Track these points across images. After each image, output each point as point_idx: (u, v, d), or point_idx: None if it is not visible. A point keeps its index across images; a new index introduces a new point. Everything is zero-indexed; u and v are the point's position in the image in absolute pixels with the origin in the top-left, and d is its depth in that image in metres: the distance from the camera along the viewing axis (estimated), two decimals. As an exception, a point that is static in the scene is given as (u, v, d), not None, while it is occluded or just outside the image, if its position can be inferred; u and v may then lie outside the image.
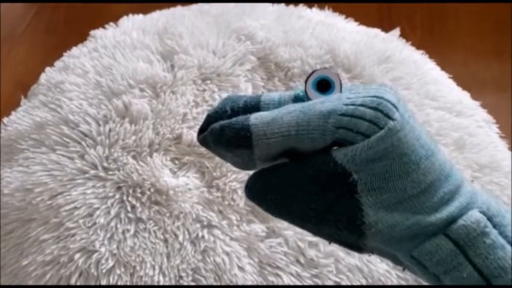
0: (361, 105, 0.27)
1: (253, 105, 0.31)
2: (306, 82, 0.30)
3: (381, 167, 0.27)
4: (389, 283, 0.69)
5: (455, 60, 1.09)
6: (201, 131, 0.32)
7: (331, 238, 0.30)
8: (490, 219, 0.27)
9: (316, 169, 0.28)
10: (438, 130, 0.83)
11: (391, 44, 0.95)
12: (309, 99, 0.30)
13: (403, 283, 0.69)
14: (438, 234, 0.26)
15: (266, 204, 0.30)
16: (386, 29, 1.03)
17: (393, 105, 0.27)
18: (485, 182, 0.80)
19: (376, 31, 0.98)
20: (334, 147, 0.28)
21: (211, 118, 0.31)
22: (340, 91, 0.30)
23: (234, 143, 0.29)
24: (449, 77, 0.96)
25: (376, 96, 0.27)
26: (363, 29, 0.99)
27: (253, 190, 0.31)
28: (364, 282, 0.70)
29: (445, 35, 1.17)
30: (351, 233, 0.28)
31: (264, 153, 0.29)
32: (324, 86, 0.30)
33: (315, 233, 0.30)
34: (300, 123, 0.27)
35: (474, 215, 0.27)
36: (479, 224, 0.26)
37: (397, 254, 0.28)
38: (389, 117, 0.26)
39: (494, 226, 0.27)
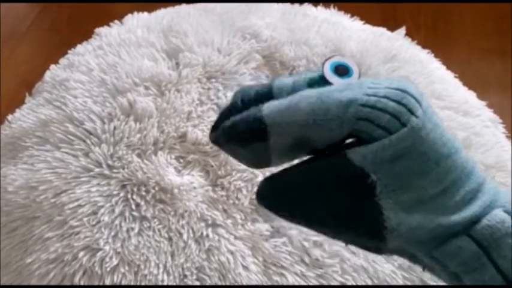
0: (384, 97, 0.25)
1: (266, 93, 0.29)
2: (323, 64, 0.28)
3: (401, 167, 0.25)
4: (394, 284, 0.69)
5: (459, 59, 1.09)
6: (214, 129, 0.30)
7: (349, 242, 0.29)
8: None
9: (333, 173, 0.27)
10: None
11: (396, 42, 0.95)
12: (325, 83, 0.28)
13: (409, 284, 0.69)
14: (461, 234, 0.25)
15: (281, 212, 0.29)
16: (391, 28, 1.03)
17: (417, 100, 0.26)
18: (491, 182, 0.79)
19: (382, 30, 0.98)
20: (348, 149, 0.27)
21: (223, 116, 0.29)
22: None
23: (247, 136, 0.27)
24: (455, 76, 0.95)
25: (400, 90, 0.26)
26: (369, 27, 0.98)
27: (265, 197, 0.30)
28: (369, 283, 0.69)
29: (449, 34, 1.17)
30: (371, 238, 0.27)
31: (280, 144, 0.28)
32: (342, 71, 0.28)
33: (333, 237, 0.29)
34: (316, 111, 0.26)
35: (499, 215, 0.25)
36: (504, 223, 0.25)
37: (416, 253, 0.27)
38: (413, 113, 0.25)
39: None
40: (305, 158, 0.30)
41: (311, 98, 0.26)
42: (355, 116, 0.25)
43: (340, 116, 0.26)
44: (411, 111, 0.25)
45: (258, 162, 0.31)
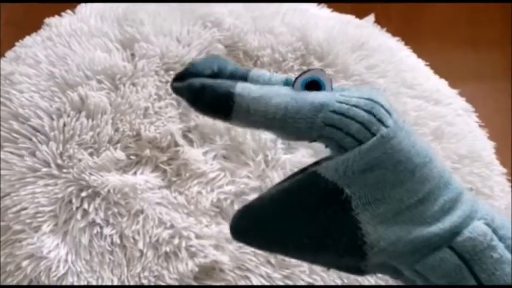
0: (355, 105, 0.26)
1: (242, 75, 0.28)
2: (295, 80, 0.28)
3: (374, 177, 0.25)
4: (366, 283, 0.65)
5: (430, 49, 1.06)
6: (178, 77, 0.28)
7: (330, 265, 0.28)
8: (494, 231, 0.25)
9: (305, 192, 0.26)
10: (416, 119, 0.79)
11: (365, 30, 0.91)
12: None
13: (381, 283, 0.65)
14: (442, 246, 0.25)
15: (258, 243, 0.29)
16: (361, 17, 0.99)
17: (387, 110, 0.26)
18: (465, 173, 0.76)
19: (350, 17, 0.93)
20: (318, 165, 0.26)
21: (193, 68, 0.28)
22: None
23: (212, 107, 0.27)
24: (426, 65, 0.92)
25: (371, 99, 0.26)
26: (336, 15, 0.94)
27: (240, 231, 0.29)
28: (339, 283, 0.66)
29: (420, 24, 1.16)
30: (352, 256, 0.26)
31: (241, 125, 0.28)
32: (314, 86, 0.28)
33: (313, 262, 0.29)
34: (288, 109, 0.26)
35: (481, 227, 0.25)
36: (486, 236, 0.25)
37: (399, 267, 0.27)
38: (382, 123, 0.25)
39: (500, 239, 0.25)
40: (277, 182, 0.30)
41: (285, 96, 0.26)
42: (325, 121, 0.26)
43: (310, 118, 0.26)
44: (381, 121, 0.25)
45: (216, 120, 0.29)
